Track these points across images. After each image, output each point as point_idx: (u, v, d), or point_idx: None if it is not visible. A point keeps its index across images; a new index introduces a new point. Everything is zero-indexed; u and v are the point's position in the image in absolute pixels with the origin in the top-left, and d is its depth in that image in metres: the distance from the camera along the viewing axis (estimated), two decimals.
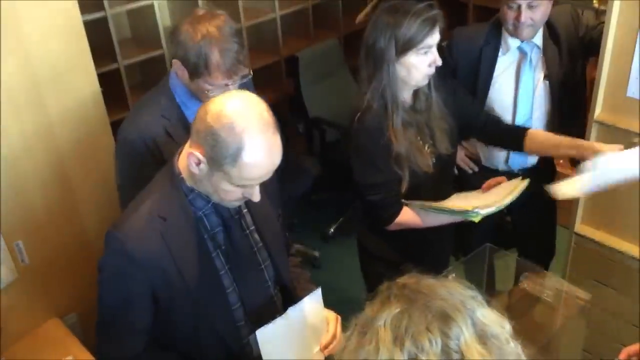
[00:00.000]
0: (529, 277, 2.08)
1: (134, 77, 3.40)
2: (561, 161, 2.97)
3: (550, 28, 2.35)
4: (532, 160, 2.52)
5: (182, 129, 1.92)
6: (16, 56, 2.00)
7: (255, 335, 1.51)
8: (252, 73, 1.97)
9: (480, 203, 1.94)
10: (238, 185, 1.42)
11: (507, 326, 0.94)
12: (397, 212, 2.08)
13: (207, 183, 1.43)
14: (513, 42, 2.34)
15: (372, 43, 1.96)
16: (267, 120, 1.39)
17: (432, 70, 1.98)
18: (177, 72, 1.92)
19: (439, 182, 2.10)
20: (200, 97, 1.92)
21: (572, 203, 2.48)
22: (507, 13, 2.26)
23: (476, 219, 1.91)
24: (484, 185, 2.09)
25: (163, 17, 3.42)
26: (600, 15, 3.14)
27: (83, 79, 2.18)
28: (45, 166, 2.16)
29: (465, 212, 1.92)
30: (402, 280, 0.98)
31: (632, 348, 1.68)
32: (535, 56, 2.36)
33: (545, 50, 2.37)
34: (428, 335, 0.87)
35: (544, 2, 2.21)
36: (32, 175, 2.14)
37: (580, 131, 2.40)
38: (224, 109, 1.37)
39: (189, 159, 1.41)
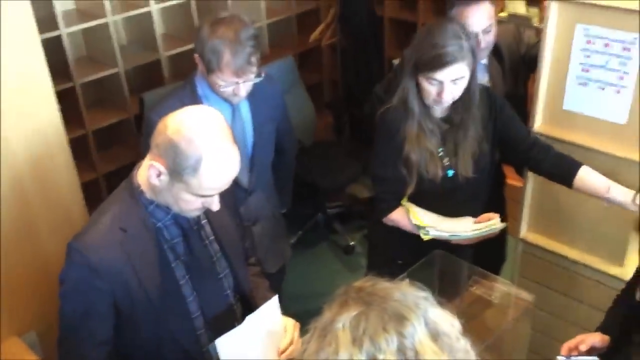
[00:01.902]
0: (479, 281, 2.18)
1: (90, 95, 3.40)
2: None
3: (494, 48, 2.47)
4: None
5: None
6: None
7: (215, 344, 1.55)
8: (263, 74, 2.19)
9: (439, 225, 2.07)
10: (198, 195, 1.47)
11: (457, 324, 0.99)
12: (392, 208, 2.17)
13: (168, 194, 1.48)
14: None
15: (410, 46, 2.05)
16: (226, 132, 1.46)
17: (441, 101, 1.99)
18: (198, 66, 2.16)
19: (450, 197, 2.15)
20: (215, 91, 2.17)
21: (518, 212, 2.60)
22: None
23: (425, 237, 2.06)
24: (476, 220, 2.14)
25: (119, 36, 3.45)
26: (541, 34, 3.32)
27: (41, 98, 2.19)
28: (3, 184, 2.16)
29: (421, 227, 2.07)
30: (358, 284, 1.02)
31: (572, 342, 1.78)
32: (481, 73, 2.48)
33: (489, 68, 2.49)
34: (385, 335, 0.91)
35: (494, 24, 2.34)
36: None
37: None
38: (183, 123, 1.43)
39: (150, 171, 1.45)
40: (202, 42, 2.09)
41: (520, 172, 2.73)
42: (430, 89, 1.99)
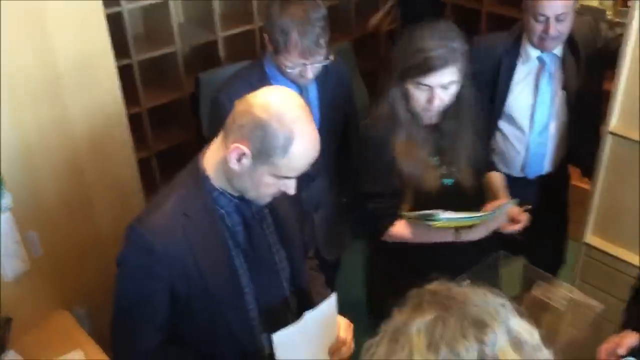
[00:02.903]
0: (540, 284, 2.08)
1: (146, 73, 3.40)
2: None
3: (569, 39, 2.35)
4: (548, 167, 2.52)
5: None
6: (37, 49, 2.00)
7: (270, 337, 1.52)
8: (332, 57, 2.10)
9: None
10: (281, 177, 1.43)
11: (536, 334, 0.93)
12: (390, 224, 2.03)
13: (247, 178, 1.44)
14: (533, 52, 2.35)
15: (392, 53, 1.93)
16: (308, 111, 1.43)
17: (431, 108, 1.89)
18: (267, 46, 2.10)
19: (448, 207, 1.97)
20: (283, 72, 2.11)
21: (581, 215, 2.49)
22: (534, 25, 2.25)
23: (435, 224, 1.87)
24: (487, 206, 2.03)
25: (177, 14, 3.43)
26: (615, 27, 3.16)
27: (103, 74, 2.18)
28: (61, 159, 2.16)
29: (428, 215, 1.88)
30: (431, 287, 0.97)
31: (610, 345, 1.70)
32: (554, 66, 2.37)
33: (563, 61, 2.38)
34: (464, 342, 0.86)
35: (570, 14, 2.22)
36: (48, 167, 2.14)
37: (596, 139, 2.41)
38: (270, 102, 1.39)
39: (231, 155, 1.40)
40: (271, 21, 2.04)
41: (587, 174, 2.61)
42: (419, 95, 1.88)
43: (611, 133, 2.26)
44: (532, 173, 2.52)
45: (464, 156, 2.00)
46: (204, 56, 3.54)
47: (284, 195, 1.55)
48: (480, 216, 1.94)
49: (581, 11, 3.31)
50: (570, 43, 2.36)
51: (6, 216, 2.03)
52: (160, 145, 3.45)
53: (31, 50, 1.98)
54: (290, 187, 1.48)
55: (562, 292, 2.01)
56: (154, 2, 3.18)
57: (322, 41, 2.04)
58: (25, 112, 2.03)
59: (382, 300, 2.23)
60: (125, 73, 3.09)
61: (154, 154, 3.42)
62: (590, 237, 2.49)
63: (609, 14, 3.31)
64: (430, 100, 1.86)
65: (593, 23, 2.44)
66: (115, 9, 3.03)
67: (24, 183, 2.08)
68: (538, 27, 2.24)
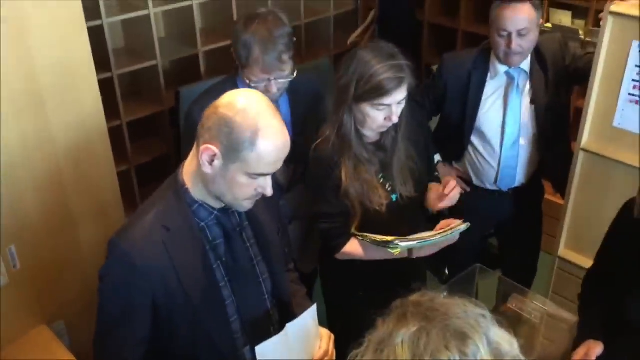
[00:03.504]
0: (516, 297, 2.13)
1: (126, 86, 3.40)
2: None
3: (538, 55, 2.43)
4: (520, 179, 2.59)
5: None
6: (19, 62, 2.00)
7: (253, 350, 1.53)
8: (295, 73, 2.15)
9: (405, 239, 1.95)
10: (254, 175, 1.44)
11: (515, 344, 0.96)
12: (343, 243, 2.08)
13: (221, 180, 1.45)
14: (501, 67, 2.42)
15: (340, 76, 1.95)
16: (274, 107, 1.46)
17: (389, 124, 1.95)
18: (235, 61, 2.13)
19: (398, 221, 2.05)
20: (249, 87, 2.11)
21: (556, 229, 2.55)
22: (498, 41, 2.33)
23: (395, 252, 1.93)
24: (438, 226, 2.06)
25: (158, 28, 3.44)
26: (587, 46, 3.26)
27: (85, 87, 2.19)
28: (43, 172, 2.15)
29: (387, 242, 1.94)
30: (415, 298, 0.99)
31: (579, 354, 1.77)
32: (522, 81, 2.44)
33: (532, 76, 2.45)
34: (447, 354, 0.89)
35: (533, 30, 2.29)
36: (29, 180, 2.13)
37: (565, 155, 2.48)
38: (234, 99, 1.43)
39: (202, 158, 1.42)
40: (237, 37, 2.10)
41: (559, 189, 2.68)
42: (376, 115, 1.92)
43: (583, 150, 2.32)
44: (505, 185, 2.58)
45: (405, 168, 2.06)
46: (185, 70, 3.55)
47: (264, 206, 1.57)
48: (436, 239, 1.98)
49: (554, 30, 3.42)
50: (539, 58, 2.43)
51: None
52: (140, 158, 3.44)
53: (13, 64, 1.98)
54: (267, 187, 1.48)
55: (536, 305, 2.05)
56: (134, 15, 3.19)
57: (286, 57, 2.09)
58: (7, 124, 2.02)
59: (339, 312, 2.29)
60: (105, 86, 3.09)
61: (133, 167, 3.41)
62: (564, 251, 2.55)
63: (581, 34, 3.40)
64: (388, 117, 1.93)
65: (562, 40, 2.52)
66: (96, 22, 3.03)
67: (5, 196, 2.07)
68: (502, 43, 2.32)
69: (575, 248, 2.53)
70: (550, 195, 2.99)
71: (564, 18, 3.50)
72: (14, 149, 2.06)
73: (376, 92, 1.88)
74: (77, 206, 2.31)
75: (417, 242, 1.95)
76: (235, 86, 2.20)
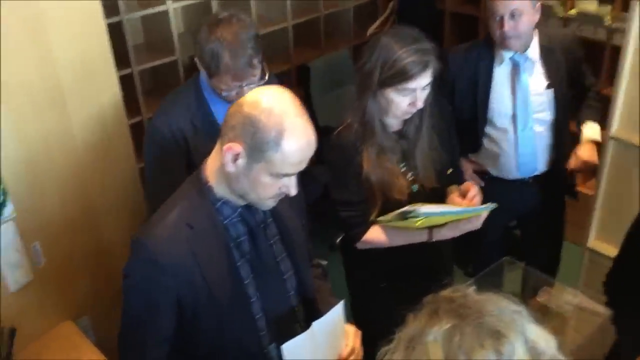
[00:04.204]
0: (545, 290, 2.08)
1: (147, 82, 3.40)
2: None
3: (547, 46, 2.41)
4: (542, 166, 2.55)
5: (208, 123, 2.02)
6: (40, 59, 2.00)
7: (278, 347, 1.52)
8: (267, 76, 2.01)
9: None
10: (278, 175, 1.42)
11: (552, 342, 0.93)
12: (364, 231, 2.04)
13: (245, 180, 1.43)
14: (506, 54, 2.41)
15: (364, 62, 1.92)
16: (301, 106, 1.43)
17: (413, 110, 1.92)
18: (201, 70, 2.01)
19: None
20: (219, 96, 2.01)
21: (584, 219, 2.49)
22: (493, 25, 2.33)
23: (417, 223, 1.83)
24: (463, 186, 2.02)
25: (177, 23, 3.43)
26: (612, 34, 3.19)
27: (104, 83, 2.19)
28: (64, 168, 2.16)
29: (407, 213, 1.85)
30: (447, 294, 0.96)
31: None
32: (529, 67, 2.40)
33: (546, 63, 2.41)
34: (482, 352, 0.86)
35: (526, 11, 2.25)
36: (51, 177, 2.13)
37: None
38: (259, 98, 1.40)
39: (226, 157, 1.40)
40: (201, 45, 1.94)
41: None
42: (400, 100, 1.89)
43: (612, 138, 2.27)
44: (527, 172, 2.55)
45: (428, 158, 2.02)
46: None
47: (288, 203, 1.55)
48: (459, 211, 1.93)
49: (578, 17, 3.35)
50: (550, 47, 2.40)
51: (8, 225, 2.03)
52: None
53: (32, 60, 1.99)
54: (291, 187, 1.46)
55: (566, 298, 2.01)
56: (153, 11, 3.18)
57: (256, 61, 1.96)
58: (28, 122, 2.03)
59: (367, 310, 2.25)
60: (126, 82, 3.10)
61: None
62: (594, 242, 2.50)
63: (607, 20, 3.32)
64: (413, 103, 1.90)
65: (575, 35, 2.53)
66: (115, 19, 3.02)
67: (27, 193, 2.07)
68: (496, 27, 2.30)
69: (605, 239, 2.48)
70: (580, 186, 2.94)
71: (589, 4, 3.42)
72: (35, 146, 2.06)
73: (401, 76, 1.85)
74: (99, 202, 2.31)
75: (438, 210, 1.89)
76: (200, 94, 2.09)
